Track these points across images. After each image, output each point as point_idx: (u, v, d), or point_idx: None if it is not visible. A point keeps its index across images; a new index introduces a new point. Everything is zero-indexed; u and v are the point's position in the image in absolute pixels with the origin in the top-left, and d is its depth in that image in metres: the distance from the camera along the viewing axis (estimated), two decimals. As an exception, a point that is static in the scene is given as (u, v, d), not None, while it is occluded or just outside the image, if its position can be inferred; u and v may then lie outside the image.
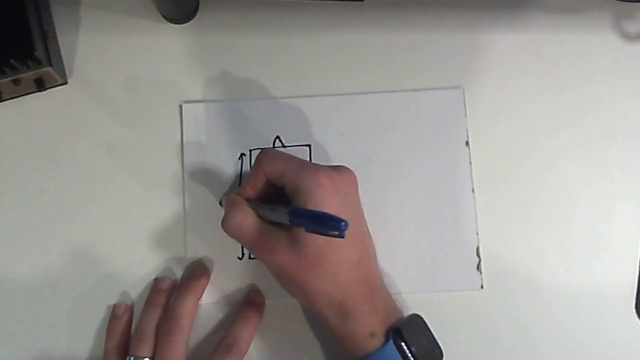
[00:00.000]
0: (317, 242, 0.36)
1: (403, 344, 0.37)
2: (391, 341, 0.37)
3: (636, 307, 0.44)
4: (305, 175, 0.38)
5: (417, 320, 0.39)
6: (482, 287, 0.44)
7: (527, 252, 0.45)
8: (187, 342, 0.41)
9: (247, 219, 0.39)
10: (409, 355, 0.37)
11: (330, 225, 0.33)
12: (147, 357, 0.41)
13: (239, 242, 0.41)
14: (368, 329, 0.38)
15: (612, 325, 0.44)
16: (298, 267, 0.37)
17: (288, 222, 0.36)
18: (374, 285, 0.40)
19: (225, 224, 0.40)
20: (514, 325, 0.44)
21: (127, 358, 0.41)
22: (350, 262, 0.38)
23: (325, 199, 0.37)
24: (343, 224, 0.32)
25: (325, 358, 0.44)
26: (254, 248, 0.40)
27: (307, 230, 0.34)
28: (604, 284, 0.45)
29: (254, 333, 0.43)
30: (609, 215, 0.46)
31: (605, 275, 0.45)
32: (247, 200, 0.41)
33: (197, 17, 0.48)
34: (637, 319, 0.44)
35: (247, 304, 0.44)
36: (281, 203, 0.38)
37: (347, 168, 0.40)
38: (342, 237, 0.32)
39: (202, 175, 0.45)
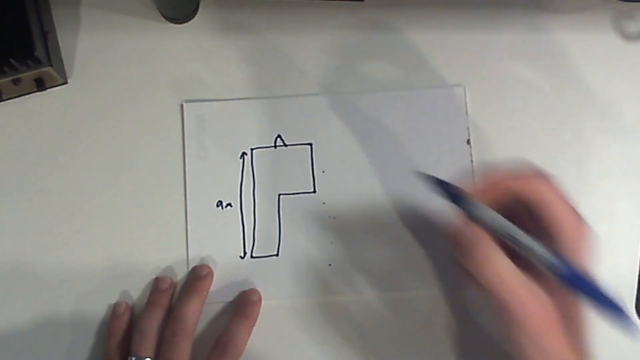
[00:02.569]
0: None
1: None
2: None
3: (636, 307, 0.44)
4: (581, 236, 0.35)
5: None
6: (482, 286, 0.44)
7: (527, 252, 0.45)
8: (191, 343, 0.41)
9: (503, 263, 0.34)
10: None
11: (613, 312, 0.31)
12: (149, 357, 0.41)
13: (489, 288, 0.34)
14: None
15: (612, 325, 0.44)
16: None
17: (553, 275, 0.33)
18: None
19: (478, 265, 0.34)
20: (514, 325, 0.44)
21: (129, 358, 0.41)
22: None
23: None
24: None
25: (325, 358, 0.44)
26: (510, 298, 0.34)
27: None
28: (604, 283, 0.45)
29: (250, 330, 0.43)
30: (609, 215, 0.46)
31: (605, 275, 0.45)
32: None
33: (197, 17, 0.48)
34: (637, 319, 0.44)
35: (242, 301, 0.44)
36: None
37: None
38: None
39: (204, 175, 0.45)
